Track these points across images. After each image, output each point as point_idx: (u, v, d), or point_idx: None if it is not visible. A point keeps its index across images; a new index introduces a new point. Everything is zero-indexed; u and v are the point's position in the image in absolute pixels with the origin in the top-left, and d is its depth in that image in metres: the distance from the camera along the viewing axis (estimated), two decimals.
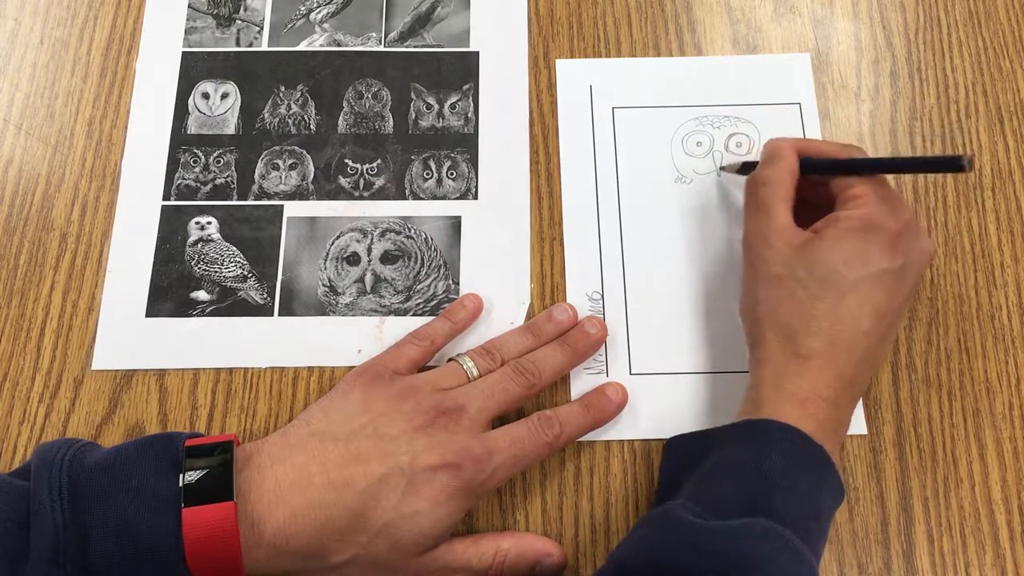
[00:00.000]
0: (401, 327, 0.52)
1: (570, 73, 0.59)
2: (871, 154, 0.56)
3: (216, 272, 0.54)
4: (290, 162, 0.56)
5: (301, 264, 0.54)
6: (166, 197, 0.56)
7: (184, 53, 0.60)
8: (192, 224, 0.55)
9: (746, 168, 0.53)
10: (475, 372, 0.47)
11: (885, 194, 0.46)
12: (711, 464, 0.42)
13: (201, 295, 0.53)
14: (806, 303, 0.44)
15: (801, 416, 0.42)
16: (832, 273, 0.44)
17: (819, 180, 0.48)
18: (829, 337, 0.43)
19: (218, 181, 0.56)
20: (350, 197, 0.56)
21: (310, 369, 0.52)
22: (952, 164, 0.45)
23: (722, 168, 0.55)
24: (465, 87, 0.58)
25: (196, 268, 0.54)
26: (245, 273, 0.54)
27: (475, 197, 0.56)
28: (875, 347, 0.44)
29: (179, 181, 0.56)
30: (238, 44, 0.60)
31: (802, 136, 0.57)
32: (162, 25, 0.60)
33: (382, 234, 0.55)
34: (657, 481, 0.47)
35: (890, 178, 0.50)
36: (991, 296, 0.53)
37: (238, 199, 0.56)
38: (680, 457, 0.45)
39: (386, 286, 0.54)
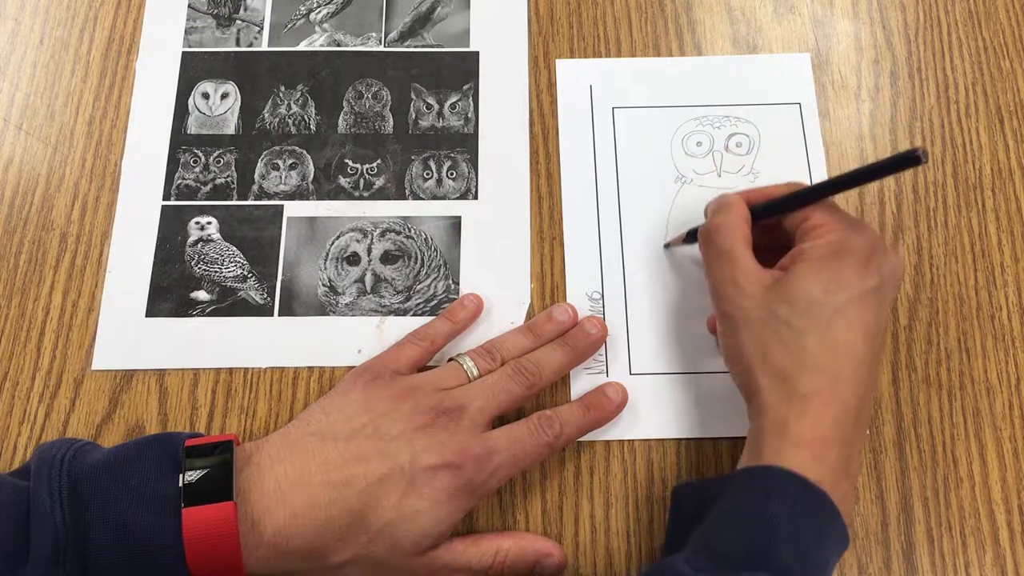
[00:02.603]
0: (401, 327, 0.52)
1: (570, 73, 0.59)
2: (871, 154, 0.56)
3: (216, 272, 0.54)
4: (290, 162, 0.57)
5: (301, 264, 0.54)
6: (166, 197, 0.56)
7: (184, 53, 0.60)
8: (192, 224, 0.55)
9: (692, 237, 0.51)
10: (475, 372, 0.47)
11: (844, 218, 0.45)
12: (714, 515, 0.40)
13: (201, 295, 0.53)
14: (794, 341, 0.42)
15: (808, 460, 0.40)
16: (814, 304, 0.42)
17: (772, 223, 0.47)
18: (827, 371, 0.41)
19: (218, 181, 0.56)
20: (350, 197, 0.56)
21: (310, 369, 0.52)
22: (907, 160, 0.42)
23: (667, 245, 0.54)
24: (465, 87, 0.58)
25: (196, 268, 0.54)
26: (245, 273, 0.54)
27: (475, 197, 0.56)
28: (871, 371, 0.43)
29: (179, 181, 0.56)
30: (238, 44, 0.60)
31: (802, 138, 0.57)
32: (162, 25, 0.60)
33: (382, 234, 0.55)
34: (665, 529, 0.45)
35: (852, 198, 0.49)
36: (991, 296, 0.53)
37: (238, 199, 0.56)
38: (685, 506, 0.44)
39: (386, 286, 0.54)
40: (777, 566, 0.37)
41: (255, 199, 0.56)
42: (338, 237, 0.55)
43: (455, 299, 0.53)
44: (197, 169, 0.56)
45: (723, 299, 0.45)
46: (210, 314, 0.53)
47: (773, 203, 0.47)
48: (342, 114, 0.58)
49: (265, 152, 0.57)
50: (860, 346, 0.42)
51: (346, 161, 0.57)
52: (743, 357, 0.44)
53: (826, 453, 0.40)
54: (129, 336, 0.52)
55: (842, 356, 0.42)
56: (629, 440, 0.50)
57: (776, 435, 0.41)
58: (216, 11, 0.61)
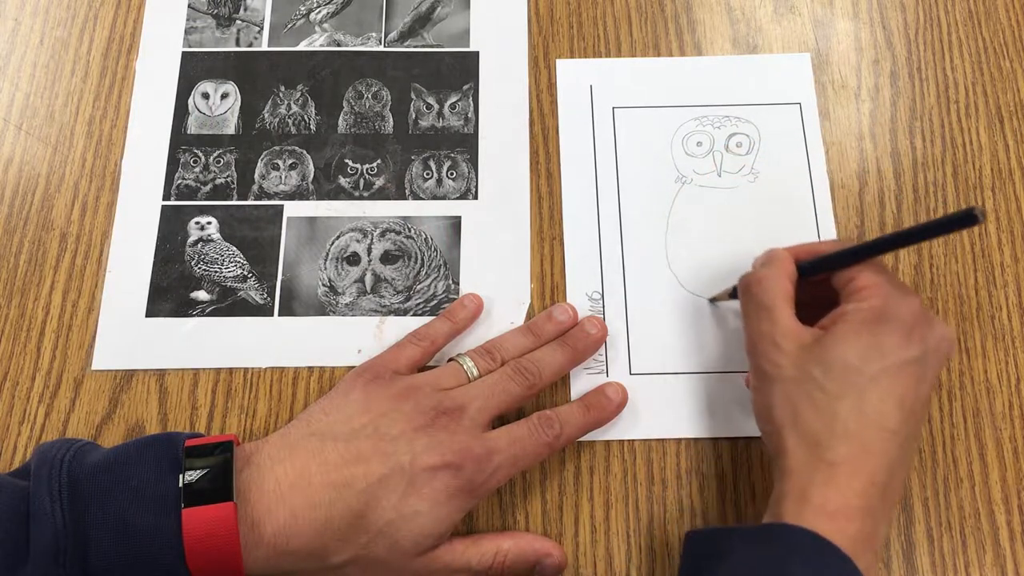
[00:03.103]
0: (401, 327, 0.52)
1: (570, 73, 0.59)
2: (871, 154, 0.56)
3: (216, 272, 0.54)
4: (290, 162, 0.56)
5: (301, 264, 0.54)
6: (166, 197, 0.56)
7: (184, 53, 0.60)
8: (192, 224, 0.55)
9: (737, 293, 0.50)
10: (475, 372, 0.47)
11: (891, 282, 0.43)
12: (727, 568, 0.39)
13: (201, 295, 0.53)
14: (827, 405, 0.41)
15: (830, 531, 0.38)
16: (849, 370, 0.41)
17: (819, 279, 0.45)
18: (857, 439, 0.40)
19: (218, 181, 0.56)
20: (350, 197, 0.56)
21: (310, 369, 0.52)
22: (964, 220, 0.39)
23: (712, 299, 0.52)
24: (465, 87, 0.58)
25: (196, 268, 0.54)
26: (245, 273, 0.54)
27: (475, 197, 0.56)
28: (904, 446, 0.41)
29: (179, 181, 0.56)
30: (238, 44, 0.60)
31: (802, 137, 0.57)
32: (162, 25, 0.60)
33: (382, 234, 0.55)
34: (678, 572, 0.44)
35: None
36: (991, 296, 0.53)
37: (238, 199, 0.56)
38: (697, 555, 0.42)
39: (386, 286, 0.54)
40: None
41: (255, 199, 0.56)
42: (338, 237, 0.55)
43: (455, 299, 0.53)
44: (197, 169, 0.56)
45: (759, 354, 0.44)
46: (210, 314, 0.53)
47: (820, 260, 0.45)
48: (342, 114, 0.58)
49: (265, 152, 0.57)
50: (894, 417, 0.40)
51: (346, 161, 0.57)
52: (774, 416, 0.43)
53: (849, 524, 0.39)
54: (129, 336, 0.52)
55: (873, 426, 0.40)
56: (629, 440, 0.50)
57: (798, 500, 0.40)
58: (216, 11, 0.61)
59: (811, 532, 0.38)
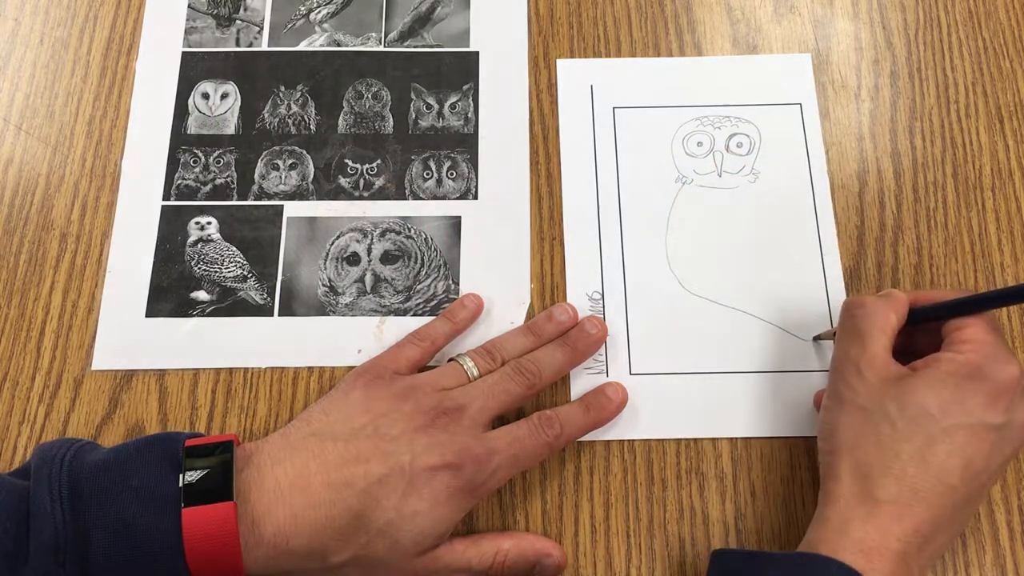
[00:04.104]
0: (401, 327, 0.52)
1: (570, 73, 0.59)
2: (871, 154, 0.56)
3: (216, 272, 0.54)
4: (290, 162, 0.56)
5: (301, 264, 0.54)
6: (166, 197, 0.56)
7: (184, 53, 0.60)
8: (192, 224, 0.55)
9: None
10: (475, 372, 0.47)
11: (998, 344, 0.42)
12: None
13: (201, 295, 0.53)
14: (890, 442, 0.40)
15: (863, 569, 0.38)
16: (925, 415, 0.40)
17: (929, 328, 0.44)
18: (910, 484, 0.39)
19: (218, 181, 0.56)
20: (350, 197, 0.56)
21: (310, 369, 0.52)
22: None
23: (817, 338, 0.51)
24: (465, 87, 0.58)
25: (196, 268, 0.54)
26: (245, 273, 0.54)
27: (475, 197, 0.56)
28: (959, 508, 0.40)
29: (179, 181, 0.56)
30: (238, 44, 0.60)
31: (803, 138, 0.57)
32: (162, 25, 0.60)
33: (382, 234, 0.55)
34: None
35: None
36: None
37: (238, 199, 0.56)
38: (725, 573, 0.42)
39: (386, 286, 0.54)
40: None
41: (255, 199, 0.56)
42: (338, 237, 0.55)
43: (455, 299, 0.53)
44: (197, 169, 0.56)
45: (839, 377, 0.44)
46: (210, 314, 0.53)
47: (936, 307, 0.44)
48: (342, 114, 0.58)
49: (265, 152, 0.57)
50: (956, 476, 0.40)
51: (346, 161, 0.57)
52: (835, 439, 0.42)
53: (883, 566, 0.38)
54: (129, 336, 0.52)
55: (932, 477, 0.40)
56: (629, 440, 0.50)
57: (838, 532, 0.39)
58: (216, 11, 0.61)
59: (846, 567, 0.38)
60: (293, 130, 0.57)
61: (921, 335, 0.45)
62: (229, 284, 0.53)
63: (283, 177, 0.56)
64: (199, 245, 0.54)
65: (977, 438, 0.40)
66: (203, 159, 0.57)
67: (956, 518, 0.41)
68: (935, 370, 0.41)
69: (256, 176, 0.56)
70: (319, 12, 0.61)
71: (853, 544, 0.39)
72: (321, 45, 0.60)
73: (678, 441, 0.50)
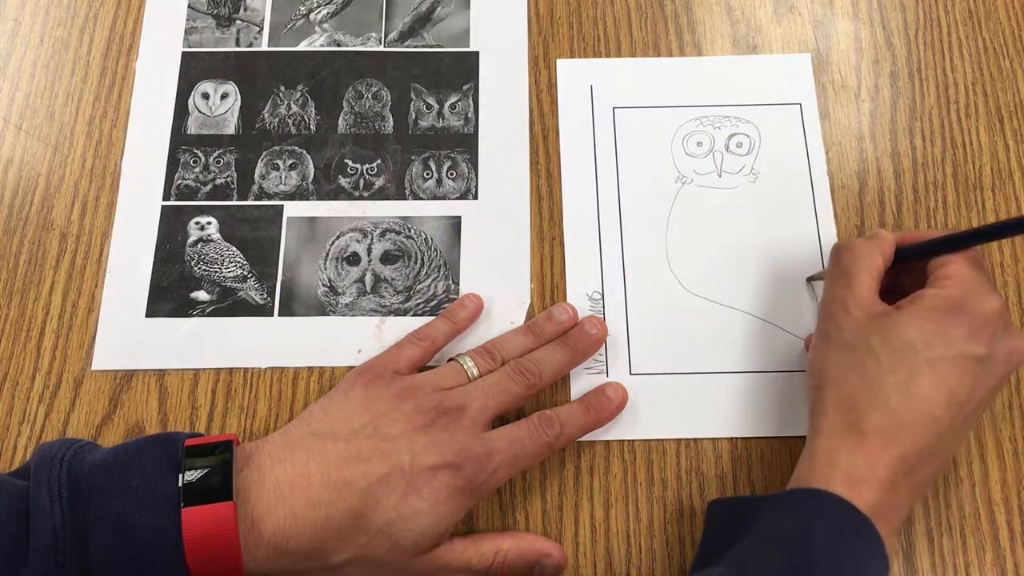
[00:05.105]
0: (401, 327, 0.52)
1: (570, 73, 0.59)
2: (871, 154, 0.56)
3: (216, 272, 0.54)
4: (290, 162, 0.57)
5: (301, 264, 0.54)
6: (166, 197, 0.56)
7: (184, 53, 0.60)
8: (192, 224, 0.55)
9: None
10: (475, 372, 0.47)
11: (980, 279, 0.43)
12: (754, 533, 0.40)
13: (201, 295, 0.53)
14: (875, 375, 0.41)
15: (852, 497, 0.39)
16: (908, 348, 0.41)
17: (916, 267, 0.45)
18: (895, 415, 0.40)
19: (218, 181, 0.56)
20: (350, 197, 0.56)
21: (310, 369, 0.52)
22: None
23: (810, 279, 0.53)
24: (465, 87, 0.58)
25: (196, 268, 0.54)
26: (245, 273, 0.54)
27: (475, 197, 0.56)
28: (944, 437, 0.41)
29: (179, 181, 0.56)
30: (238, 44, 0.60)
31: (803, 138, 0.57)
32: (162, 25, 0.60)
33: (382, 234, 0.55)
34: (699, 541, 0.45)
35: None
36: None
37: (238, 199, 0.56)
38: (722, 521, 0.43)
39: (386, 286, 0.54)
40: None
41: (255, 199, 0.56)
42: (338, 237, 0.55)
43: (455, 299, 0.53)
44: (197, 169, 0.56)
45: (827, 316, 0.45)
46: (210, 314, 0.53)
47: (920, 245, 0.45)
48: (342, 114, 0.58)
49: (265, 152, 0.57)
50: (939, 406, 0.41)
51: (346, 161, 0.57)
52: (822, 374, 0.44)
53: (871, 493, 0.39)
54: (129, 336, 0.52)
55: (915, 408, 0.41)
56: (629, 440, 0.50)
57: (826, 463, 0.41)
58: (216, 11, 0.61)
59: (837, 497, 0.39)
60: (293, 130, 0.57)
61: (908, 274, 0.46)
62: (229, 284, 0.54)
63: (283, 177, 0.56)
64: (199, 245, 0.54)
65: (960, 369, 0.41)
66: (203, 159, 0.57)
67: (941, 447, 0.41)
68: (919, 305, 0.42)
69: (256, 176, 0.56)
70: (319, 12, 0.61)
71: (841, 475, 0.40)
72: (321, 45, 0.60)
73: (678, 441, 0.50)
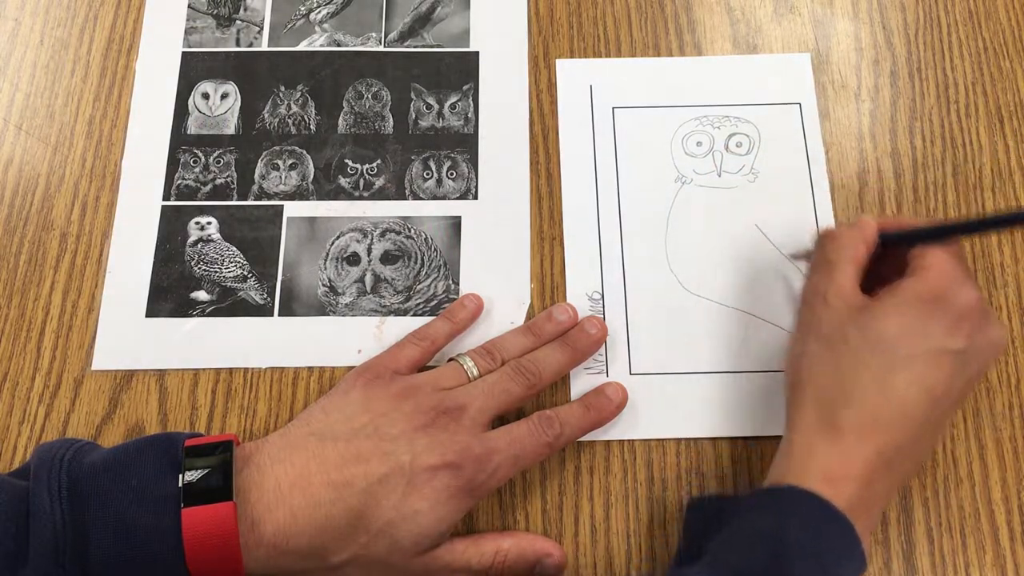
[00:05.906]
0: (401, 327, 0.52)
1: (570, 73, 0.59)
2: (871, 154, 0.56)
3: (216, 272, 0.54)
4: (290, 162, 0.57)
5: (301, 264, 0.54)
6: (166, 197, 0.56)
7: (184, 53, 0.60)
8: (192, 224, 0.55)
9: None
10: (475, 372, 0.47)
11: (959, 270, 0.43)
12: (731, 531, 0.40)
13: (201, 295, 0.53)
14: (851, 370, 0.41)
15: (828, 494, 0.39)
16: (885, 343, 0.41)
17: (896, 252, 0.45)
18: (872, 411, 0.40)
19: (218, 181, 0.56)
20: (350, 197, 0.56)
21: (310, 369, 0.52)
22: None
23: (794, 256, 0.53)
24: (465, 87, 0.58)
25: (196, 268, 0.54)
26: (245, 273, 0.54)
27: (475, 197, 0.56)
28: (922, 432, 0.41)
29: (179, 181, 0.56)
30: (238, 44, 0.60)
31: (802, 137, 0.57)
32: (162, 25, 0.60)
33: (382, 234, 0.55)
34: (680, 540, 0.45)
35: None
36: (991, 296, 0.53)
37: (238, 199, 0.56)
38: (701, 519, 0.43)
39: (386, 286, 0.54)
40: None
41: (255, 199, 0.56)
42: (338, 237, 0.55)
43: (455, 299, 0.53)
44: (197, 169, 0.56)
45: (806, 306, 0.44)
46: (210, 314, 0.53)
47: (905, 233, 0.45)
48: (342, 114, 0.58)
49: (265, 152, 0.57)
50: (917, 404, 0.40)
51: (346, 161, 0.57)
52: (799, 364, 0.43)
53: (847, 491, 0.39)
54: (129, 336, 0.52)
55: (892, 406, 0.40)
56: (629, 440, 0.50)
57: (802, 460, 0.40)
58: (216, 11, 0.61)
59: (813, 494, 0.39)
60: (293, 130, 0.57)
61: (888, 264, 0.45)
62: (229, 284, 0.54)
63: (283, 177, 0.56)
64: (199, 245, 0.54)
65: (936, 364, 0.40)
66: (203, 159, 0.57)
67: (919, 442, 0.41)
68: (897, 297, 0.42)
69: (256, 176, 0.56)
70: (319, 12, 0.61)
71: (818, 472, 0.39)
72: (321, 45, 0.60)
73: (678, 441, 0.50)
